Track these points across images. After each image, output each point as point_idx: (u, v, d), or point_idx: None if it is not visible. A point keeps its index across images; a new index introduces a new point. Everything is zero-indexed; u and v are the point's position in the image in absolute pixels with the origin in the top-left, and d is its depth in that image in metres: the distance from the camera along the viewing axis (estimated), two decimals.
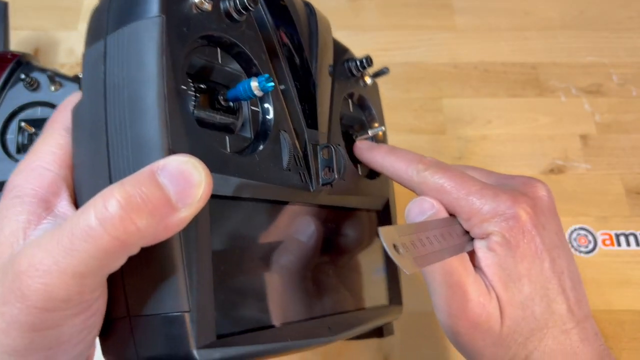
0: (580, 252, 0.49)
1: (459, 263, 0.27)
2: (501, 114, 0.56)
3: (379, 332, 0.36)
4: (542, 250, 0.28)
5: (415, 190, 0.30)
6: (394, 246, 0.21)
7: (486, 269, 0.28)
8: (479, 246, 0.28)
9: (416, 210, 0.28)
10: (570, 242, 0.50)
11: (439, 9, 0.62)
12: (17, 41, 0.55)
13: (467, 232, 0.29)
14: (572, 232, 0.50)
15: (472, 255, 0.29)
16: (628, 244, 0.50)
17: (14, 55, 0.42)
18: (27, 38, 0.57)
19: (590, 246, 0.49)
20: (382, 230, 0.21)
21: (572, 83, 0.58)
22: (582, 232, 0.50)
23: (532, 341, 0.27)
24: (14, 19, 0.53)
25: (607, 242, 0.50)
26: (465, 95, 0.57)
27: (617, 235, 0.50)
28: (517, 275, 0.27)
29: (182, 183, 0.19)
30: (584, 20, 0.62)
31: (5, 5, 0.51)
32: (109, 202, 0.18)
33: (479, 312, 0.27)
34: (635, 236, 0.50)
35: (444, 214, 0.29)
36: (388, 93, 0.57)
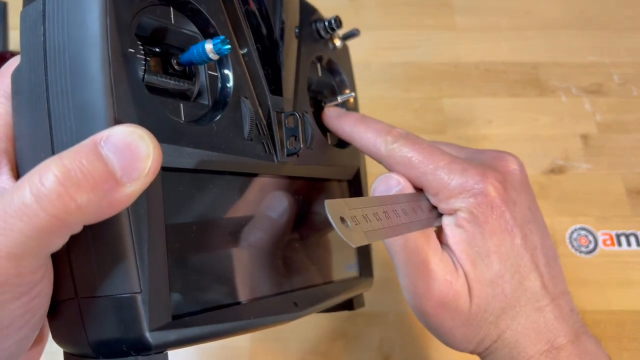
0: (581, 252, 0.49)
1: (424, 241, 0.26)
2: (502, 114, 0.56)
3: (349, 305, 0.34)
4: (512, 226, 0.27)
5: (383, 164, 0.29)
6: (342, 219, 0.20)
7: (454, 246, 0.27)
8: (447, 222, 0.27)
9: (382, 187, 0.27)
10: (571, 242, 0.50)
11: (439, 8, 0.62)
12: (17, 41, 0.55)
13: (434, 208, 0.28)
14: (572, 232, 0.50)
15: (439, 232, 0.28)
16: (629, 244, 0.50)
17: (13, 55, 0.42)
18: None
19: (591, 246, 0.49)
20: (328, 204, 0.20)
21: (572, 83, 0.58)
22: (583, 232, 0.50)
23: (503, 320, 0.26)
24: (14, 18, 0.52)
25: (608, 242, 0.50)
26: (465, 95, 0.57)
27: (618, 235, 0.50)
28: (486, 252, 0.26)
29: (127, 156, 0.17)
30: (585, 20, 0.62)
31: (5, 5, 0.51)
32: (45, 176, 0.16)
33: (445, 291, 0.26)
34: (636, 236, 0.50)
35: (411, 191, 0.27)
36: (388, 93, 0.57)
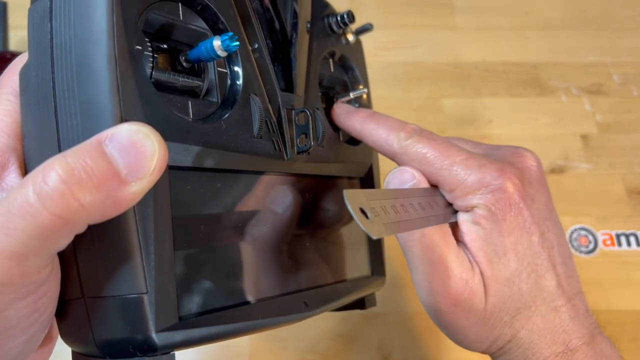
0: (581, 252, 0.49)
1: (440, 237, 0.26)
2: (502, 114, 0.56)
3: (360, 304, 0.34)
4: (530, 224, 0.26)
5: (396, 160, 0.28)
6: (361, 210, 0.19)
7: (470, 243, 0.26)
8: (463, 219, 0.27)
9: (395, 181, 0.27)
10: (571, 242, 0.50)
11: (439, 7, 0.62)
12: (17, 41, 0.55)
13: (450, 205, 0.27)
14: (572, 232, 0.50)
15: (455, 229, 0.27)
16: (629, 244, 0.50)
17: (13, 55, 0.42)
18: (26, 38, 0.57)
19: (591, 246, 0.49)
20: (347, 194, 0.19)
21: (572, 83, 0.58)
22: (583, 232, 0.50)
23: (519, 320, 0.26)
24: (13, 18, 0.52)
25: (608, 242, 0.50)
26: (466, 94, 0.57)
27: (618, 235, 0.50)
28: (503, 250, 0.26)
29: (132, 154, 0.17)
30: (585, 20, 0.62)
31: (5, 5, 0.51)
32: (49, 175, 0.16)
33: (461, 290, 0.26)
34: (636, 236, 0.50)
35: (426, 186, 0.27)
36: (388, 92, 0.57)
